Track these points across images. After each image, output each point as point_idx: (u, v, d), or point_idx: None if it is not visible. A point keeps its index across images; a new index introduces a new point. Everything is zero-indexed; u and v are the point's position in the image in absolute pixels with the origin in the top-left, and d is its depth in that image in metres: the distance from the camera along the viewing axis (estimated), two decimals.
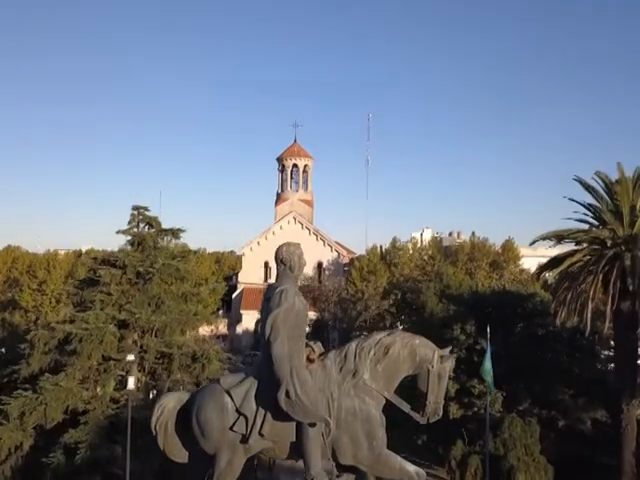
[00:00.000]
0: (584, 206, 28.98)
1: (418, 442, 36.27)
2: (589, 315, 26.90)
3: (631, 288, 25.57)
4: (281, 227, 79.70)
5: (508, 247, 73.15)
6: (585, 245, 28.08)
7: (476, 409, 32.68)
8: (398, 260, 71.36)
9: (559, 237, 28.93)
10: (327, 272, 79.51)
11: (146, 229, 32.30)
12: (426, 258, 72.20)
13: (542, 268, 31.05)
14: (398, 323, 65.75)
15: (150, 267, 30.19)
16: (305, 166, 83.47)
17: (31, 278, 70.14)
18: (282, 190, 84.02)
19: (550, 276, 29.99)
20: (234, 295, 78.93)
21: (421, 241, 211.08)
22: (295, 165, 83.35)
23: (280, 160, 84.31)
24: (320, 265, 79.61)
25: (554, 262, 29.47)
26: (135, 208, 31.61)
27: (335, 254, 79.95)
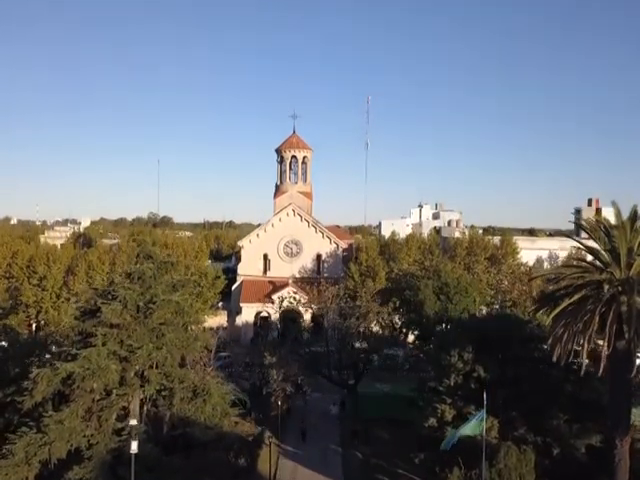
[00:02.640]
0: (582, 244, 29.04)
1: (415, 460, 37.11)
2: (585, 356, 27.20)
3: (627, 336, 25.81)
4: (280, 219, 79.59)
5: (506, 241, 73.29)
6: (582, 282, 28.15)
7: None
8: (397, 255, 71.50)
9: (558, 277, 29.06)
10: (326, 264, 79.77)
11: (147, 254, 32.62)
12: (425, 253, 72.28)
13: (541, 303, 31.20)
14: (396, 317, 66.45)
15: (150, 302, 30.48)
16: (304, 157, 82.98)
17: (31, 274, 70.43)
18: (281, 182, 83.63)
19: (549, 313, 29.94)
20: (234, 287, 79.24)
21: (420, 217, 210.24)
22: (294, 157, 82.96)
23: (279, 151, 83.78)
24: (319, 257, 79.83)
25: (551, 298, 29.64)
26: (134, 241, 31.84)
27: (334, 246, 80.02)
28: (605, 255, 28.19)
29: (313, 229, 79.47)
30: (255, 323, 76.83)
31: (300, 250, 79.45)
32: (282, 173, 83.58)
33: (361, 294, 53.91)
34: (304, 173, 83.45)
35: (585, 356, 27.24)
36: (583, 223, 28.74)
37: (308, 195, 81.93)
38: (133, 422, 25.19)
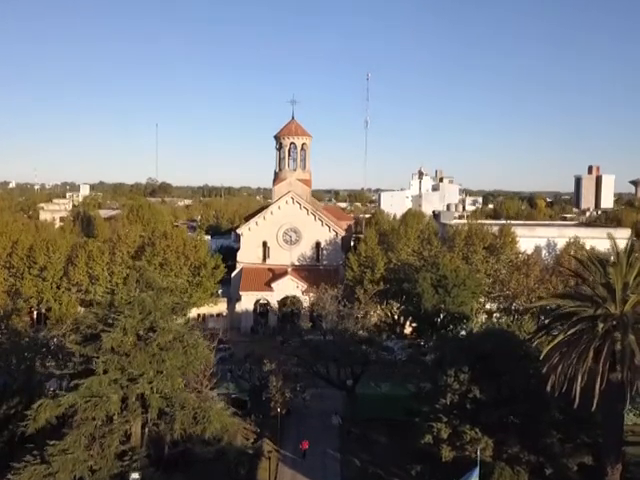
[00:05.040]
0: (579, 275, 29.23)
1: (412, 472, 37.93)
2: (578, 389, 27.65)
3: (620, 377, 26.22)
4: (279, 207, 79.61)
5: (505, 231, 73.41)
6: (577, 319, 28.44)
7: (467, 453, 33.84)
8: (395, 245, 71.69)
9: (554, 309, 29.36)
10: (325, 252, 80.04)
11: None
12: (423, 243, 72.43)
13: (538, 330, 31.53)
14: (395, 307, 67.15)
15: (150, 330, 30.86)
16: (303, 144, 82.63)
17: (31, 264, 70.64)
18: (280, 169, 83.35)
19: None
20: (233, 274, 79.64)
21: (420, 188, 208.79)
22: (293, 143, 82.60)
23: (277, 138, 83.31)
24: (318, 245, 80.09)
25: (548, 329, 30.01)
26: (134, 267, 32.07)
27: (333, 234, 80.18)
28: (601, 289, 28.41)
29: (312, 217, 79.56)
30: (255, 310, 77.59)
31: (299, 238, 79.66)
32: (281, 160, 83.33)
33: (359, 296, 54.21)
34: (303, 160, 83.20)
35: (578, 391, 27.66)
36: (578, 258, 28.72)
37: (307, 182, 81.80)
38: (135, 476, 25.69)
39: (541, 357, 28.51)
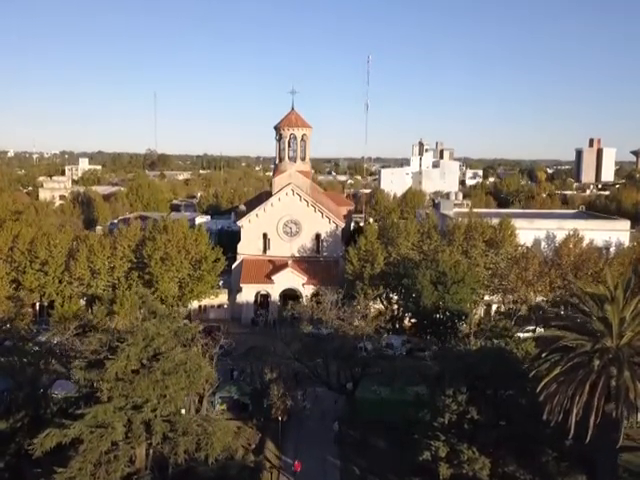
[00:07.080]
0: (577, 308, 29.59)
1: None
2: (573, 421, 28.22)
3: (614, 414, 26.73)
4: (279, 199, 79.67)
5: (504, 225, 73.58)
6: (574, 354, 28.86)
7: (465, 471, 34.62)
8: (395, 240, 71.92)
9: (548, 342, 29.78)
10: (325, 243, 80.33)
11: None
12: (423, 237, 72.66)
13: (535, 357, 32.00)
14: (394, 297, 67.70)
15: (153, 358, 31.34)
16: (303, 135, 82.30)
17: (33, 258, 70.92)
18: (280, 160, 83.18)
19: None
20: (234, 266, 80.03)
21: (420, 165, 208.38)
22: (293, 135, 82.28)
23: (278, 129, 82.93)
24: (318, 236, 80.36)
25: (545, 360, 30.45)
26: (137, 294, 32.51)
27: (333, 225, 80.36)
28: (598, 323, 28.77)
29: (312, 209, 79.66)
30: (255, 301, 78.16)
31: (299, 230, 79.91)
32: (281, 151, 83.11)
33: (359, 299, 54.68)
34: (303, 151, 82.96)
35: (573, 423, 28.23)
36: (577, 293, 29.05)
37: (307, 174, 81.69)
38: None
39: (538, 389, 28.95)
